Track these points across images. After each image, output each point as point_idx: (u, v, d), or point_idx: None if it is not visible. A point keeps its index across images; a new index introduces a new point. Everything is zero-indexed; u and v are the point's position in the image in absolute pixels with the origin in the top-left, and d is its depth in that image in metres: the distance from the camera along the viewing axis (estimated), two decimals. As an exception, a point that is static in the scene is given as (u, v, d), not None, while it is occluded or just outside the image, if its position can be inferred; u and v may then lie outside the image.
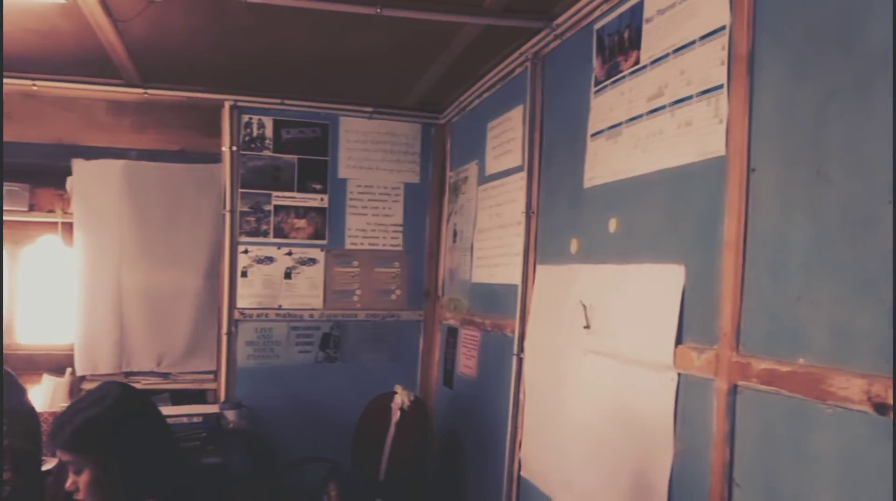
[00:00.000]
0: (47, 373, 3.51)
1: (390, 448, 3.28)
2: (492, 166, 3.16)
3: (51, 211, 3.53)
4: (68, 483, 1.54)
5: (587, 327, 2.15)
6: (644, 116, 1.97)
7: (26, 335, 3.72)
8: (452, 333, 3.58)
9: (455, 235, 3.65)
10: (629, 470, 1.93)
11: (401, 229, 3.86)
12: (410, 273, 3.88)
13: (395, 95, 3.59)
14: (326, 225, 3.74)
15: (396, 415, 3.29)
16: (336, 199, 3.75)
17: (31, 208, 3.49)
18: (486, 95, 3.24)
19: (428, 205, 3.89)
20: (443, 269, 3.85)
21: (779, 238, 1.43)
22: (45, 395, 3.44)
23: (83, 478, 1.51)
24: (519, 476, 2.64)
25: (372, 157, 3.80)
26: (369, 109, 3.75)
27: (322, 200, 3.73)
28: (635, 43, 2.04)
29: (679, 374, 1.72)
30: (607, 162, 2.15)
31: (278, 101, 3.61)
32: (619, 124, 2.09)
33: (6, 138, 3.32)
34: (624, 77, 2.08)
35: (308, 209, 3.71)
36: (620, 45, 2.12)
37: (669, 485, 1.72)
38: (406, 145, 3.85)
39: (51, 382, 3.48)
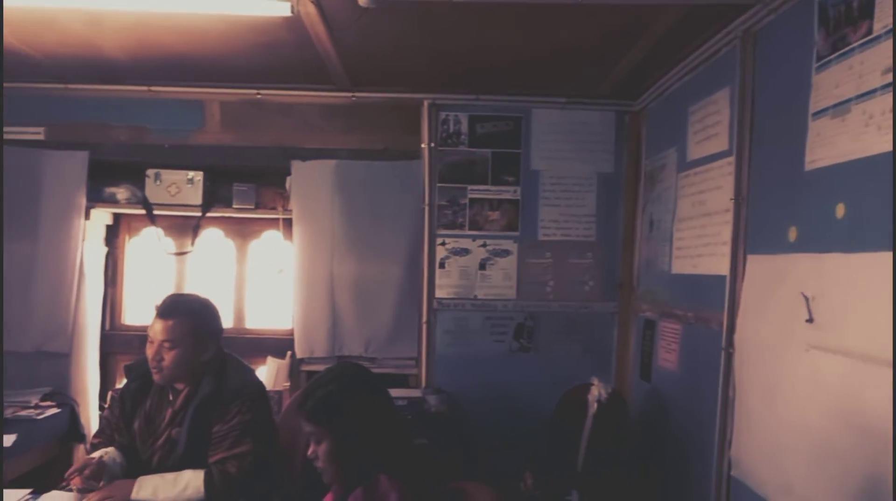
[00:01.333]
0: (271, 356, 3.87)
1: (588, 440, 3.27)
2: (694, 152, 3.03)
3: (273, 208, 3.89)
4: (309, 452, 1.71)
5: (810, 320, 2.01)
6: (878, 92, 1.80)
7: (253, 321, 4.14)
8: (649, 325, 3.49)
9: (651, 224, 3.55)
10: (859, 476, 1.79)
11: (594, 219, 3.82)
12: (604, 264, 3.83)
13: (588, 84, 3.56)
14: (519, 217, 3.79)
15: (593, 407, 3.26)
16: (529, 191, 3.79)
17: (257, 206, 3.87)
18: (686, 78, 3.11)
19: (622, 194, 3.82)
20: (638, 260, 3.76)
21: None
22: (269, 375, 3.81)
23: (322, 448, 1.66)
24: (729, 475, 2.52)
25: (564, 148, 3.79)
26: (562, 100, 3.74)
27: (515, 192, 3.79)
28: (867, 12, 1.86)
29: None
30: (833, 143, 1.99)
31: (473, 97, 3.71)
32: (848, 101, 1.92)
33: (238, 143, 3.75)
34: (853, 50, 1.91)
35: (501, 202, 3.79)
36: (848, 15, 1.95)
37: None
38: (599, 135, 3.80)
39: (274, 364, 3.84)
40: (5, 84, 3.62)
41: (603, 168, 3.82)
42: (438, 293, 3.78)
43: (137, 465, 2.37)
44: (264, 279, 4.12)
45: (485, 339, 3.81)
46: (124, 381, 2.54)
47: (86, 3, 2.54)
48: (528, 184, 3.79)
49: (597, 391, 3.27)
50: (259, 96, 3.68)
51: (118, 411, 2.46)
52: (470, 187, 3.78)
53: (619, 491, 3.36)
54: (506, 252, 3.80)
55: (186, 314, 2.38)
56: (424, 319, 3.76)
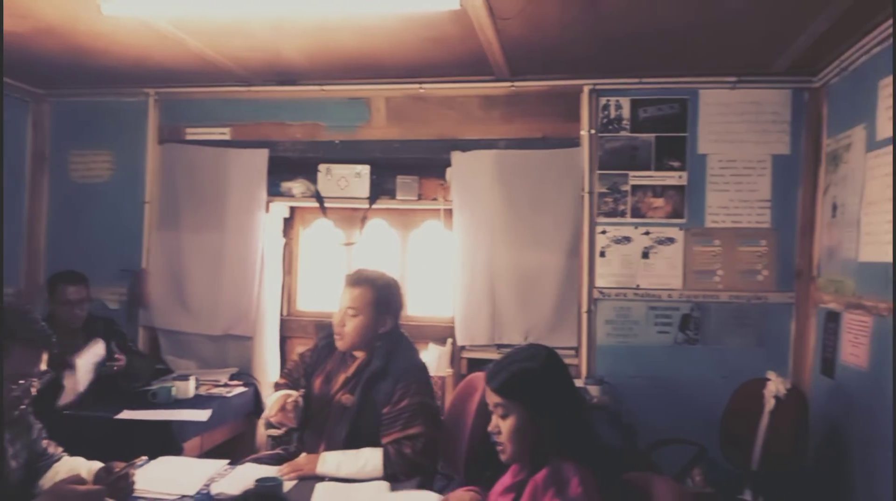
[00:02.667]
0: (432, 342, 3.99)
1: (763, 437, 3.10)
2: (885, 130, 2.77)
3: (434, 199, 3.99)
4: (491, 425, 1.73)
5: None
6: None
7: (415, 309, 4.28)
8: (833, 317, 3.23)
9: (834, 209, 3.29)
10: None
11: (768, 204, 3.60)
12: (779, 252, 3.60)
13: (761, 60, 3.35)
14: (685, 203, 3.65)
15: (770, 403, 3.09)
16: (695, 176, 3.64)
17: (419, 197, 3.99)
18: (876, 50, 2.85)
19: (799, 177, 3.57)
20: (818, 247, 3.49)
21: None
22: (430, 361, 3.92)
23: (508, 423, 1.69)
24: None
25: (735, 129, 3.60)
26: (732, 79, 3.55)
27: (680, 177, 3.65)
28: None
29: None
30: None
31: (636, 80, 3.61)
32: None
33: (401, 137, 3.89)
34: None
35: (666, 188, 3.66)
36: None
37: None
38: (774, 114, 3.57)
39: (435, 350, 3.95)
40: (198, 89, 4.00)
41: (778, 150, 3.58)
42: (599, 283, 3.72)
43: (314, 422, 2.55)
44: (426, 268, 4.24)
45: (648, 330, 3.71)
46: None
47: (271, 10, 2.73)
48: (694, 169, 3.63)
49: (774, 386, 3.10)
50: (422, 90, 3.79)
51: (307, 360, 2.69)
52: (632, 174, 3.69)
53: (797, 492, 3.16)
54: (670, 240, 3.67)
55: (371, 284, 2.53)
56: (585, 308, 3.72)
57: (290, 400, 2.46)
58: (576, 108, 3.71)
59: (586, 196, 3.70)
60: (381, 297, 2.54)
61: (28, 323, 1.89)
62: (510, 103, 3.78)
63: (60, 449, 2.16)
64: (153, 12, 2.81)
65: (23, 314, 1.91)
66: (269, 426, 2.58)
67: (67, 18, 2.94)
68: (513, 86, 3.71)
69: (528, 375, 1.68)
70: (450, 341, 3.94)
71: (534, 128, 3.77)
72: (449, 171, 3.88)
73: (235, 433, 3.76)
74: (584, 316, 3.72)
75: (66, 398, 3.09)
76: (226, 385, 3.73)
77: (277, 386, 2.71)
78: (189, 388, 3.41)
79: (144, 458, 2.03)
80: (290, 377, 2.72)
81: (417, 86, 3.78)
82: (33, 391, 1.92)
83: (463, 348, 3.90)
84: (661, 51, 3.26)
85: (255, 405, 3.86)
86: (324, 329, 2.69)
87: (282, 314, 4.28)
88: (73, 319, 3.40)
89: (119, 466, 1.96)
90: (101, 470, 2.00)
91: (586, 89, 3.67)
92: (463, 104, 3.83)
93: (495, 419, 1.72)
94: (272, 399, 2.53)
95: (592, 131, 3.69)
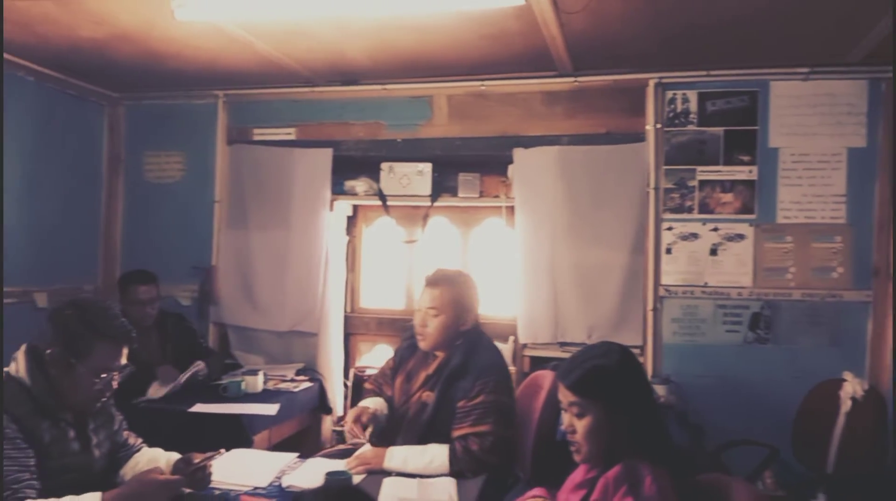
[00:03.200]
0: (495, 340, 3.97)
1: (839, 440, 3.00)
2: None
3: (496, 196, 3.98)
4: (564, 424, 1.71)
5: None
6: None
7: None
8: (915, 317, 3.10)
9: (916, 203, 3.15)
10: None
11: (843, 199, 3.47)
12: (855, 249, 3.46)
13: (835, 50, 3.23)
14: (755, 198, 3.55)
15: (847, 404, 2.99)
16: (766, 170, 3.53)
17: (481, 195, 3.99)
18: (963, 36, 2.72)
19: (876, 171, 3.42)
20: (898, 243, 3.36)
21: None
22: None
23: (584, 422, 1.66)
24: None
25: (807, 122, 3.48)
26: (804, 70, 3.44)
27: (750, 172, 3.55)
28: None
29: None
30: None
31: (703, 73, 3.53)
32: None
33: (463, 134, 3.89)
34: None
35: (735, 183, 3.56)
36: None
37: None
38: (849, 106, 3.44)
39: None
40: (265, 90, 4.09)
41: (854, 143, 3.45)
42: (665, 280, 3.65)
43: (392, 420, 2.60)
44: (487, 265, 4.24)
45: (716, 328, 3.62)
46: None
47: (335, 10, 2.77)
48: (765, 163, 3.53)
49: (851, 387, 3.01)
50: (483, 87, 3.79)
51: (391, 364, 2.74)
52: (699, 169, 3.60)
53: (874, 495, 3.04)
54: (740, 237, 3.57)
55: (451, 284, 2.57)
56: (650, 306, 3.65)
57: (366, 414, 2.50)
58: (641, 102, 3.65)
59: (652, 192, 3.64)
60: (462, 295, 2.57)
61: (109, 319, 1.96)
62: (573, 99, 3.74)
63: (140, 441, 2.24)
64: (224, 16, 2.89)
65: (104, 310, 1.99)
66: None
67: (142, 24, 3.05)
68: (576, 81, 3.68)
69: (604, 372, 1.66)
70: (511, 338, 3.93)
71: (597, 123, 3.73)
72: (511, 168, 3.86)
73: (301, 428, 3.83)
74: (650, 314, 3.65)
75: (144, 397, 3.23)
76: (292, 380, 3.80)
77: (366, 391, 2.76)
78: (258, 383, 3.49)
79: (223, 450, 2.10)
80: (375, 384, 2.78)
81: (479, 83, 3.78)
82: (114, 384, 2.00)
83: (525, 345, 3.88)
84: (729, 42, 3.17)
85: (320, 400, 3.93)
86: (407, 330, 2.73)
87: (345, 311, 4.35)
88: (145, 317, 3.52)
89: (198, 457, 2.03)
90: (179, 461, 2.07)
91: (652, 83, 3.60)
92: (525, 100, 3.81)
93: (569, 418, 1.69)
94: (351, 412, 2.57)
95: (658, 126, 3.62)
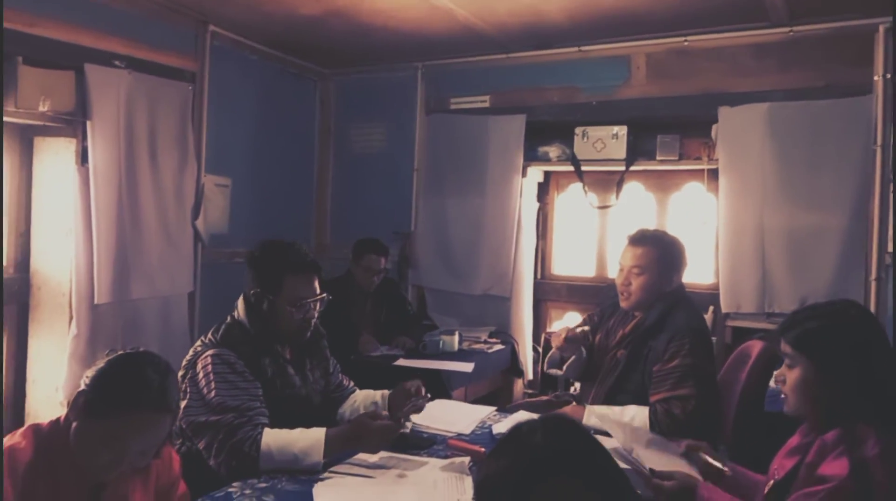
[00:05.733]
0: (693, 309, 3.81)
1: None
2: None
3: (697, 159, 3.79)
4: (777, 372, 1.63)
5: None
6: None
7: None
8: None
9: None
10: None
11: None
12: None
13: None
14: None
15: None
16: None
17: (680, 158, 3.81)
18: None
19: None
20: None
21: None
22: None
23: (793, 374, 1.57)
24: None
25: None
26: None
27: None
28: None
29: None
30: None
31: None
32: None
33: (662, 94, 3.74)
34: None
35: None
36: None
37: None
38: None
39: (696, 317, 3.78)
40: (461, 59, 4.19)
41: None
42: (891, 247, 3.28)
43: (588, 373, 2.64)
44: (685, 233, 4.06)
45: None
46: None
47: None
48: None
49: None
50: (686, 43, 3.61)
51: (594, 319, 2.78)
52: (937, 122, 3.19)
53: None
54: None
55: (655, 243, 2.52)
56: (874, 275, 3.30)
57: (574, 328, 2.55)
58: (867, 51, 3.28)
59: (879, 150, 3.27)
60: (666, 254, 2.51)
61: (294, 252, 2.13)
62: (787, 50, 3.45)
63: (352, 383, 2.44)
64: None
65: (287, 246, 2.15)
66: (551, 365, 2.71)
67: (355, -2, 3.25)
68: (791, 31, 3.38)
69: (823, 332, 1.54)
70: (711, 308, 3.75)
71: (815, 76, 3.41)
72: (714, 128, 3.65)
73: (494, 388, 3.95)
74: (873, 284, 3.30)
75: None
76: (486, 342, 3.93)
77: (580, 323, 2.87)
78: (455, 342, 3.64)
79: (429, 395, 2.23)
80: (586, 323, 2.83)
81: (682, 38, 3.60)
82: (315, 313, 2.15)
83: (727, 316, 3.68)
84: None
85: (511, 362, 4.02)
86: (611, 288, 2.72)
87: (536, 277, 4.38)
88: (370, 284, 3.78)
89: (411, 385, 2.18)
90: (394, 392, 2.24)
91: (882, 28, 3.22)
92: (732, 55, 3.58)
93: (783, 368, 1.62)
94: (562, 330, 2.63)
95: (888, 76, 3.24)
